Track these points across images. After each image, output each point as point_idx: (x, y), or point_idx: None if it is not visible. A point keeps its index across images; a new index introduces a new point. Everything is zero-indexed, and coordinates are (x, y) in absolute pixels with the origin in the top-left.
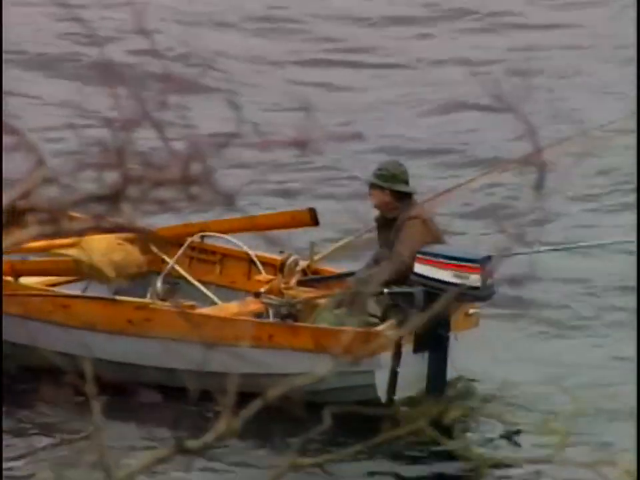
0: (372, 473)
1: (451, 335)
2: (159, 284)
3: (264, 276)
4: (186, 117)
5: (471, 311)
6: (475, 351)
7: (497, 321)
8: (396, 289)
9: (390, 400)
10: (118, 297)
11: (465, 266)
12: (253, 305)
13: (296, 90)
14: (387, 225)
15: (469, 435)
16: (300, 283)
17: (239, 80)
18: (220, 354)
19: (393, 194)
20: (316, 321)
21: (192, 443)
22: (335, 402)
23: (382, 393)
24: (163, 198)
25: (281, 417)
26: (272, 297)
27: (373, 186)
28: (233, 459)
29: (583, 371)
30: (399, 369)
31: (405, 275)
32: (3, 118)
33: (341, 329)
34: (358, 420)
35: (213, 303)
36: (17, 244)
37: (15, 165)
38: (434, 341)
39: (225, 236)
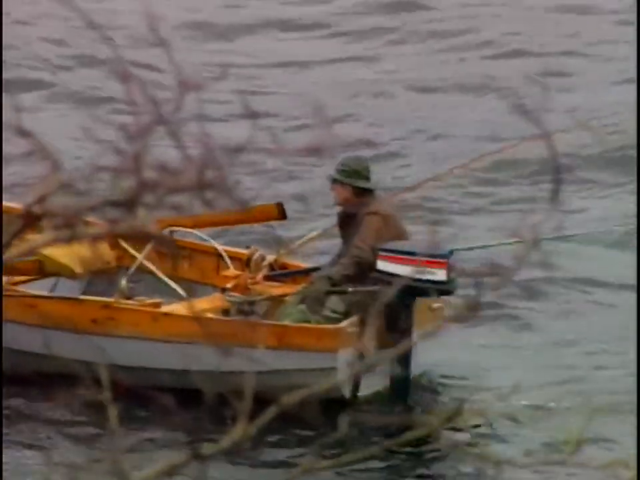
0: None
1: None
2: (123, 282)
3: (231, 271)
4: (200, 122)
5: (435, 305)
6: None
7: (493, 322)
8: (360, 289)
9: (354, 397)
10: (82, 297)
11: (430, 261)
12: (220, 301)
13: (310, 92)
14: (348, 220)
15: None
16: (266, 278)
17: (253, 85)
18: (181, 352)
19: (355, 190)
20: (281, 317)
21: (208, 449)
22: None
23: (346, 391)
24: (178, 203)
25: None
26: (234, 294)
27: (334, 181)
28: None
29: (585, 373)
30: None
31: (364, 270)
32: (20, 124)
33: (304, 325)
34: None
35: (182, 299)
36: (33, 249)
37: (30, 169)
38: (397, 338)
39: (194, 231)
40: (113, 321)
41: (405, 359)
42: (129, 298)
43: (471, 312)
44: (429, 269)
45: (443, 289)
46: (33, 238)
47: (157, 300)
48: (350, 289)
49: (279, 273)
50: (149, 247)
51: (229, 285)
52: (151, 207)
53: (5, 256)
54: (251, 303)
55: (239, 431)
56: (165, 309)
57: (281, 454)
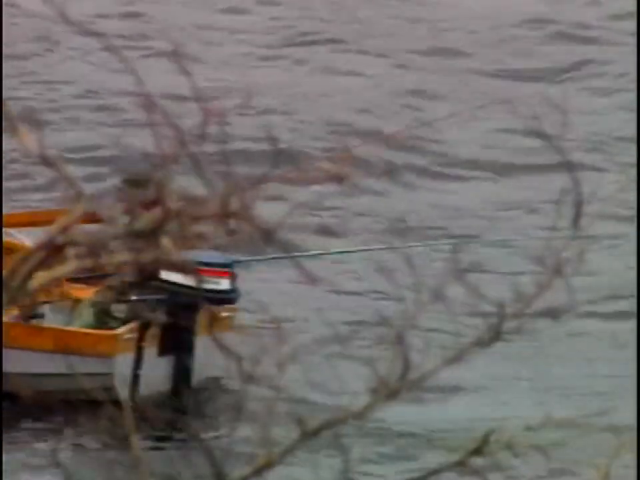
0: None
1: (198, 338)
2: None
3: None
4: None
5: (224, 314)
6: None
7: None
8: (143, 297)
9: (132, 401)
10: None
11: (214, 271)
12: None
13: (335, 120)
14: None
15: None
16: (70, 280)
17: (278, 109)
18: None
19: None
20: (73, 320)
21: (231, 478)
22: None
23: (123, 394)
24: (202, 232)
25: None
26: None
27: (119, 191)
28: None
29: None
30: (141, 371)
31: (146, 278)
32: (44, 152)
33: (80, 330)
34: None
35: None
36: (57, 279)
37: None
38: (179, 344)
39: (9, 229)
40: None
41: (186, 365)
42: None
43: (492, 338)
44: (212, 279)
45: (226, 298)
46: (57, 267)
47: None
48: (133, 298)
49: (83, 276)
50: None
51: None
52: (174, 236)
53: (30, 285)
54: (27, 307)
55: (262, 458)
56: None
57: None
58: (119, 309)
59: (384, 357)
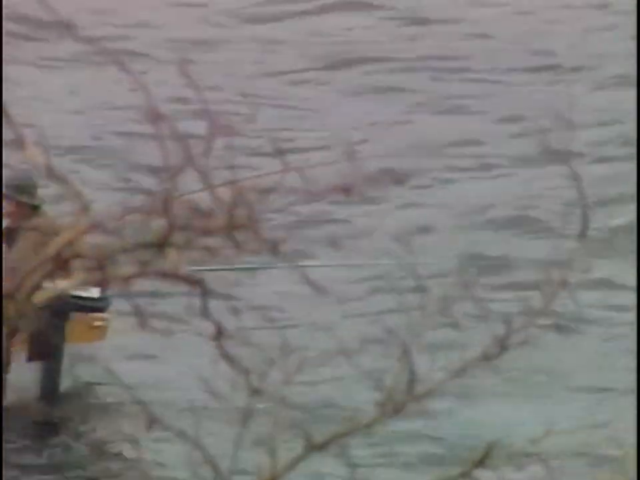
0: None
1: (68, 345)
2: None
3: None
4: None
5: (96, 323)
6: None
7: None
8: None
9: None
10: None
11: None
12: None
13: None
14: (13, 235)
15: None
16: None
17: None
18: None
19: (19, 205)
20: None
21: None
22: None
23: None
24: (208, 245)
25: None
26: None
27: (3, 196)
28: None
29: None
30: (7, 376)
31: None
32: (54, 171)
33: None
34: None
35: None
36: (65, 291)
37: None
38: (48, 350)
39: None
40: None
41: (55, 372)
42: None
43: (499, 350)
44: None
45: (96, 306)
46: (64, 280)
47: None
48: None
49: None
50: None
51: None
52: (181, 249)
53: (36, 297)
54: None
55: (266, 472)
56: None
57: None
58: None
59: (391, 370)
